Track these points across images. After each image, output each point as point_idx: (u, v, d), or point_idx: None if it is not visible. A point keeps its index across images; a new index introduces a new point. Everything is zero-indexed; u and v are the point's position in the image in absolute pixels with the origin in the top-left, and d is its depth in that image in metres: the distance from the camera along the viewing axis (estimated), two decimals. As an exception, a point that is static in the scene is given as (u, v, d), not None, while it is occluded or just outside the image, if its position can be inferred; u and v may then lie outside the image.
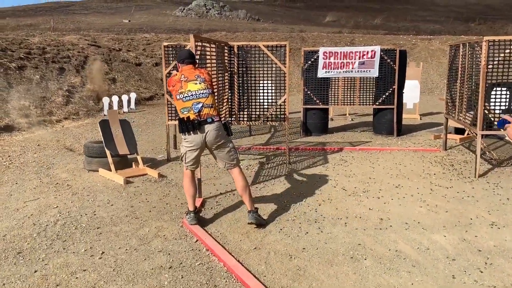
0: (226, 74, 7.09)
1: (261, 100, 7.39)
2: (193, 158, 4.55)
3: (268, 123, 7.27)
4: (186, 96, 4.40)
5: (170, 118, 7.57)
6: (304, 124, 9.98)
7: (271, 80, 7.30)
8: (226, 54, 7.07)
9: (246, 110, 7.47)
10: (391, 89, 9.55)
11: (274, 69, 7.19)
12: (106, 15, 40.23)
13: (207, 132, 4.38)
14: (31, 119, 10.88)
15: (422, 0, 73.87)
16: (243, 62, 7.40)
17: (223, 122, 4.58)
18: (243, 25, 33.63)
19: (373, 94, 9.86)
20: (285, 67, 7.07)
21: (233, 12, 43.08)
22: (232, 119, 7.36)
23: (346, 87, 10.00)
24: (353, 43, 23.23)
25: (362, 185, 6.11)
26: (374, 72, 9.49)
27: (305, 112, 9.94)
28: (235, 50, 7.14)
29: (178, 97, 4.45)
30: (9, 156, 7.92)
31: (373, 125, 10.16)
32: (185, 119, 4.37)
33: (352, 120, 12.24)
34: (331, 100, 10.00)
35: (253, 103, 7.42)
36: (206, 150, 4.67)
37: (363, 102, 9.92)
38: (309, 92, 9.81)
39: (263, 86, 7.31)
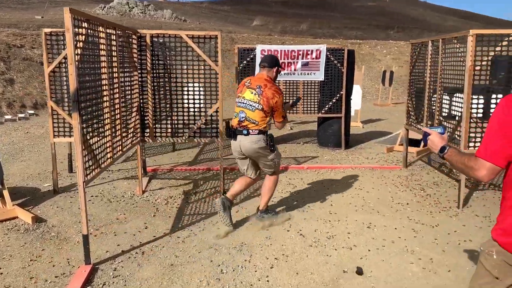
0: (136, 73, 5.08)
1: (186, 109, 5.47)
2: (242, 165, 4.40)
3: (195, 140, 5.40)
4: (239, 102, 4.25)
5: (56, 134, 5.36)
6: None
7: (199, 82, 5.40)
8: (135, 47, 5.06)
9: (164, 122, 5.51)
10: (338, 95, 8.03)
11: (202, 68, 5.30)
12: (16, 10, 35.87)
13: (241, 143, 4.18)
14: None
15: (345, 8, 75.61)
16: (161, 58, 5.44)
17: (265, 137, 4.18)
18: (168, 25, 31.15)
19: (318, 101, 8.28)
20: (216, 65, 5.22)
21: (158, 11, 40.35)
22: (146, 134, 5.36)
23: (287, 93, 8.32)
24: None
25: (323, 227, 4.40)
26: (320, 75, 7.91)
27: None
28: (148, 41, 5.15)
29: (236, 100, 4.31)
30: None
31: (317, 137, 8.58)
32: (230, 124, 4.33)
33: (291, 129, 10.63)
34: (271, 107, 8.27)
35: (175, 113, 5.48)
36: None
37: (307, 110, 8.30)
38: (244, 98, 8.02)
39: (188, 91, 5.40)
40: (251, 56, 7.86)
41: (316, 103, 8.28)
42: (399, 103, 17.59)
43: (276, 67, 4.35)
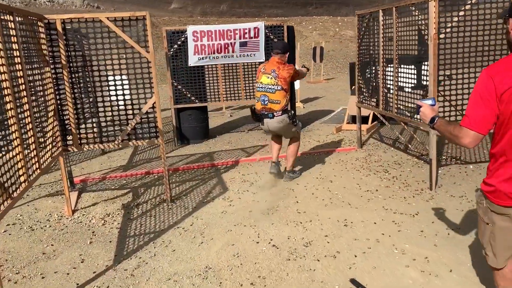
0: (48, 69, 4.05)
1: (116, 108, 4.55)
2: (269, 135, 5.18)
3: (130, 143, 4.49)
4: (258, 87, 4.73)
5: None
6: (178, 130, 7.29)
7: (128, 74, 4.48)
8: (43, 36, 4.01)
9: (91, 125, 4.54)
10: (282, 76, 7.40)
11: (131, 57, 4.39)
12: None
13: (268, 124, 4.73)
14: None
15: (261, -13, 75.00)
16: (78, 49, 4.44)
17: (288, 114, 4.70)
18: (81, 13, 28.79)
19: (261, 83, 7.59)
20: (147, 51, 4.33)
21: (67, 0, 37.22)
22: (69, 141, 4.37)
23: (227, 78, 7.54)
24: (209, 27, 20.87)
25: (296, 232, 3.77)
26: (260, 56, 7.22)
27: (178, 113, 7.25)
28: (59, 28, 4.13)
29: (255, 85, 4.82)
30: None
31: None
32: (253, 108, 4.84)
33: (231, 116, 9.88)
34: (210, 95, 7.46)
35: (102, 114, 4.53)
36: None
37: (249, 96, 7.59)
38: (180, 87, 7.13)
39: (116, 85, 4.46)
40: (182, 39, 6.96)
41: (258, 87, 7.59)
42: (331, 79, 17.49)
43: (288, 53, 4.82)
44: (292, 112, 4.86)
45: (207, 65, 7.26)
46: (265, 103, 4.66)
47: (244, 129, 8.28)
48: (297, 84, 10.40)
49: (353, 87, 8.61)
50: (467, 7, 4.26)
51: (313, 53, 15.74)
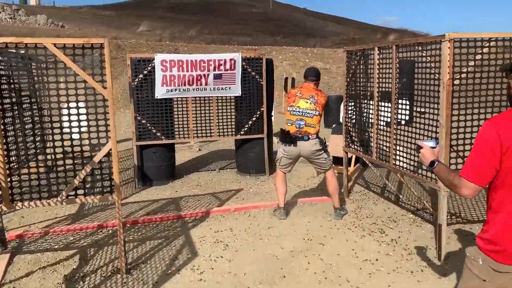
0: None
1: (59, 156, 3.60)
2: (287, 163, 4.88)
3: (77, 199, 3.55)
4: (294, 111, 4.69)
5: None
6: (140, 169, 6.34)
7: (77, 115, 3.56)
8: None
9: (27, 176, 3.57)
10: (259, 112, 6.65)
11: (83, 93, 3.49)
12: None
13: (301, 148, 4.67)
14: None
15: (230, 14, 75.54)
16: (16, 79, 3.51)
17: (320, 139, 4.73)
18: (43, 32, 27.31)
19: (235, 120, 6.80)
20: (104, 87, 3.45)
21: (31, 17, 35.63)
22: (-2, 197, 3.38)
23: (198, 112, 6.69)
24: (178, 52, 20.04)
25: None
26: (236, 90, 6.46)
27: (140, 151, 6.32)
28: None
29: (288, 109, 4.77)
30: None
31: (236, 162, 7.10)
32: (286, 131, 4.71)
33: (199, 149, 9.01)
34: (179, 132, 6.58)
35: (42, 162, 3.58)
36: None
37: (223, 133, 6.77)
38: (144, 122, 6.23)
39: (61, 128, 3.54)
40: (149, 68, 6.10)
41: (233, 123, 6.79)
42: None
43: (319, 80, 4.93)
44: (324, 138, 4.82)
45: (177, 98, 6.41)
46: (302, 126, 4.63)
47: (215, 168, 7.42)
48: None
49: (334, 125, 7.98)
50: (485, 50, 3.65)
51: (285, 83, 15.19)
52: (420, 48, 3.95)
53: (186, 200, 5.67)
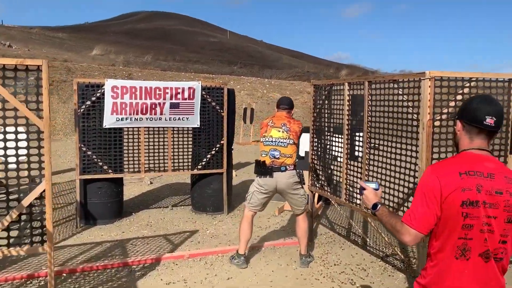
0: None
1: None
2: (259, 200, 4.44)
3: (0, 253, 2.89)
4: (266, 141, 4.40)
5: None
6: (82, 207, 5.65)
7: (4, 149, 2.96)
8: None
9: None
10: (218, 145, 6.19)
11: (13, 123, 2.91)
12: None
13: (278, 179, 4.29)
14: None
15: (187, 42, 75.50)
16: None
17: (297, 171, 4.37)
18: (-13, 50, 25.71)
19: (192, 153, 6.29)
20: (40, 117, 2.89)
21: (-26, 34, 33.69)
22: None
23: (151, 144, 6.12)
24: (132, 78, 19.34)
25: None
26: (194, 121, 5.99)
27: (84, 185, 5.64)
28: None
29: (261, 139, 4.47)
30: None
31: (192, 199, 6.54)
32: (261, 162, 4.34)
33: (151, 183, 8.37)
34: (128, 165, 5.97)
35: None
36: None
37: (178, 167, 6.22)
38: (90, 153, 5.59)
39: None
40: (98, 94, 5.53)
41: (189, 157, 6.27)
42: (259, 141, 16.70)
43: (293, 109, 4.63)
44: (301, 171, 4.42)
45: (127, 127, 5.84)
46: (277, 156, 4.31)
47: (168, 204, 6.82)
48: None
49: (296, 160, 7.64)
50: (466, 90, 3.43)
51: (244, 113, 14.91)
52: (395, 86, 3.69)
53: (134, 244, 5.04)
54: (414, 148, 3.46)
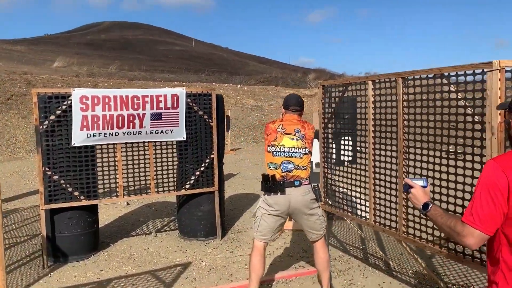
0: None
1: None
2: (270, 225, 3.54)
3: None
4: (277, 151, 3.55)
5: None
6: (50, 242, 4.64)
7: None
8: None
9: None
10: (208, 160, 5.32)
11: None
12: None
13: (292, 197, 3.46)
14: None
15: (151, 51, 73.88)
16: None
17: (312, 186, 3.59)
18: None
19: (178, 170, 5.39)
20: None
21: None
22: None
23: (130, 162, 5.18)
24: (99, 88, 18.11)
25: None
26: (179, 133, 5.11)
27: (51, 216, 4.65)
28: None
29: (269, 149, 3.59)
30: None
31: (179, 223, 5.63)
32: (270, 176, 3.49)
33: (127, 204, 7.38)
34: (104, 189, 4.99)
35: None
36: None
37: (162, 188, 5.30)
38: (56, 177, 4.60)
39: None
40: (64, 107, 4.57)
41: (175, 175, 5.37)
42: (238, 149, 15.99)
43: (303, 110, 3.77)
44: (317, 186, 3.77)
45: (101, 144, 4.89)
46: (290, 169, 3.50)
47: (151, 230, 5.88)
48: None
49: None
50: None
51: (219, 122, 14.06)
52: (444, 81, 2.95)
53: (116, 286, 4.09)
54: (478, 159, 2.72)
